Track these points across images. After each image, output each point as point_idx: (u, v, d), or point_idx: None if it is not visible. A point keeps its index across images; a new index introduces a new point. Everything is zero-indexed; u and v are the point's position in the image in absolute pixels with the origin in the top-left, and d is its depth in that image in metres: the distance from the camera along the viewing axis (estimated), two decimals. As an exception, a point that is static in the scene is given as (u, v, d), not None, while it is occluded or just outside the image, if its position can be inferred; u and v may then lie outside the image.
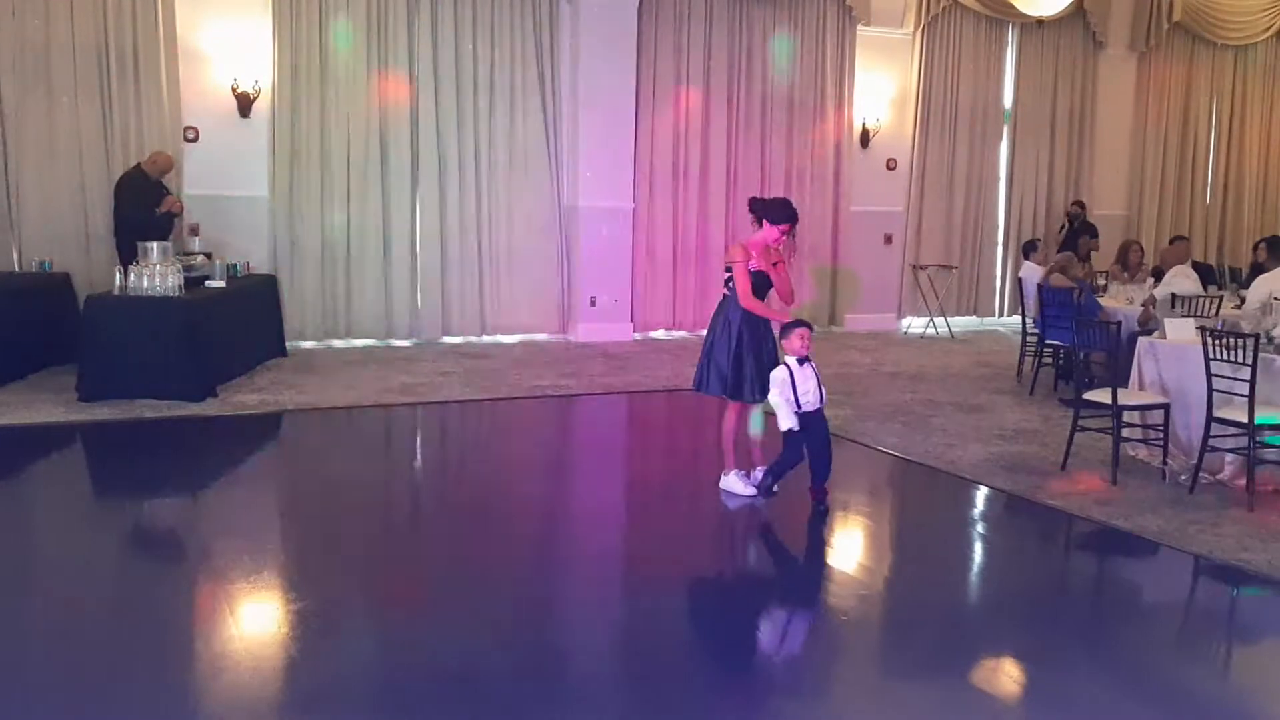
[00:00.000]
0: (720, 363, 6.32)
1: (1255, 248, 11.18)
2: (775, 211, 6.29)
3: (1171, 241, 11.37)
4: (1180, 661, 4.65)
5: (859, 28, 13.24)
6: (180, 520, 6.26)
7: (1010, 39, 14.29)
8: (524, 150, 11.93)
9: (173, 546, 5.81)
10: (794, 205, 6.40)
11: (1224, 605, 5.51)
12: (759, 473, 6.49)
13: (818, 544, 6.06)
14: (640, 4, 12.01)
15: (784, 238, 6.30)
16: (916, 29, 13.57)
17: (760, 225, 6.32)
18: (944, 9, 13.60)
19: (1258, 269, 10.06)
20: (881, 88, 13.54)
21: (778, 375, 6.08)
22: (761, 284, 6.30)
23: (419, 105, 11.46)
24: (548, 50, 11.91)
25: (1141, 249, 11.25)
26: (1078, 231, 13.30)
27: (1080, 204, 13.94)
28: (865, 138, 13.54)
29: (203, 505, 6.48)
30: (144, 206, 9.57)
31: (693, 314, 12.66)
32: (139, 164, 9.90)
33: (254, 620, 4.67)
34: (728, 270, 6.30)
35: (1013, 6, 12.98)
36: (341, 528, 5.99)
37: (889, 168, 13.76)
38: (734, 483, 6.42)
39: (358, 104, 11.20)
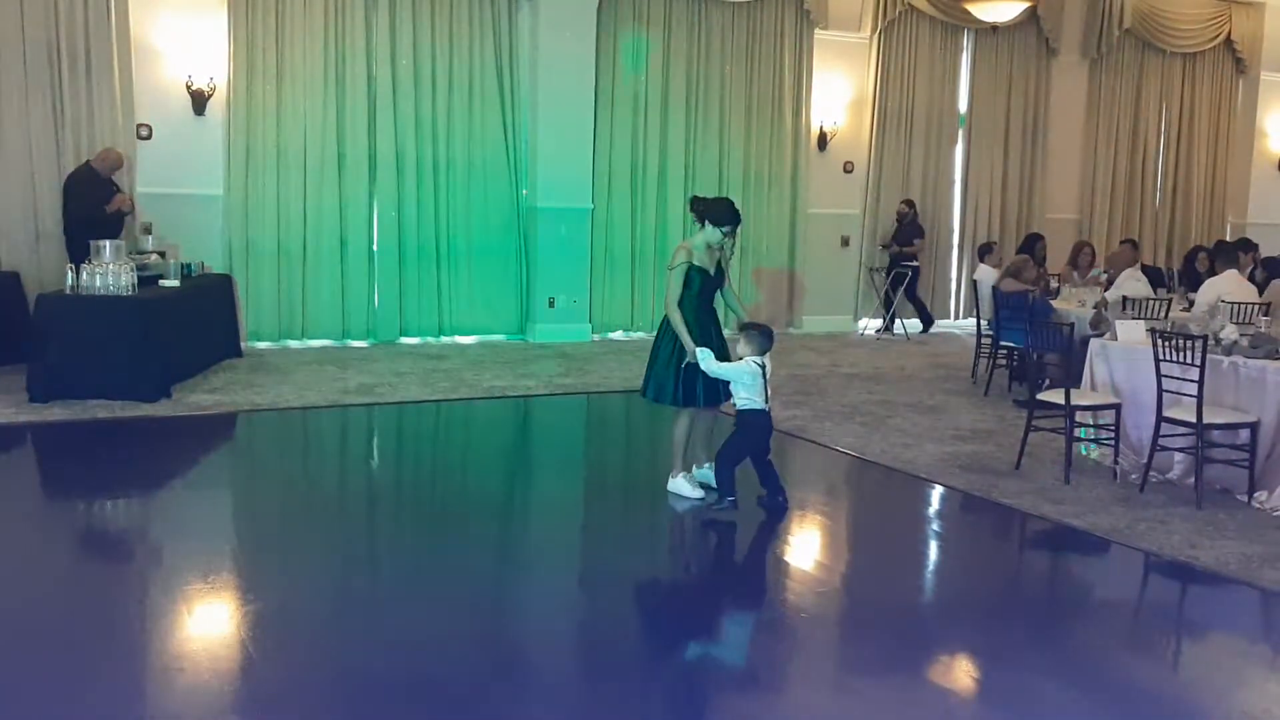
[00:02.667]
0: (659, 370, 6.30)
1: (1195, 257, 11.35)
2: (717, 212, 6.25)
3: (1120, 244, 11.56)
4: (1131, 656, 4.72)
5: (816, 31, 13.34)
6: (135, 522, 6.19)
7: (965, 44, 14.44)
8: (482, 150, 11.88)
9: (128, 548, 5.75)
10: (736, 206, 6.31)
11: (1173, 601, 5.62)
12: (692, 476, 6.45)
13: (775, 543, 6.10)
14: (600, 5, 12.02)
15: (726, 239, 6.26)
16: (873, 33, 13.68)
17: (703, 225, 6.29)
18: (900, 14, 13.72)
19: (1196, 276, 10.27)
20: (839, 91, 13.65)
21: (751, 367, 6.08)
22: (708, 284, 6.29)
23: (377, 104, 11.39)
24: (507, 51, 11.88)
25: (1093, 250, 11.45)
26: (906, 230, 13.49)
27: (909, 203, 13.81)
28: (822, 140, 13.63)
29: (157, 507, 6.41)
30: (94, 204, 9.44)
31: (651, 315, 12.67)
32: (88, 161, 9.76)
33: (211, 621, 4.63)
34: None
35: (967, 12, 13.14)
36: (298, 529, 5.95)
37: (846, 170, 13.86)
38: (682, 485, 6.39)
39: (315, 102, 11.10)
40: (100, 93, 10.26)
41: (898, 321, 13.68)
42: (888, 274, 13.65)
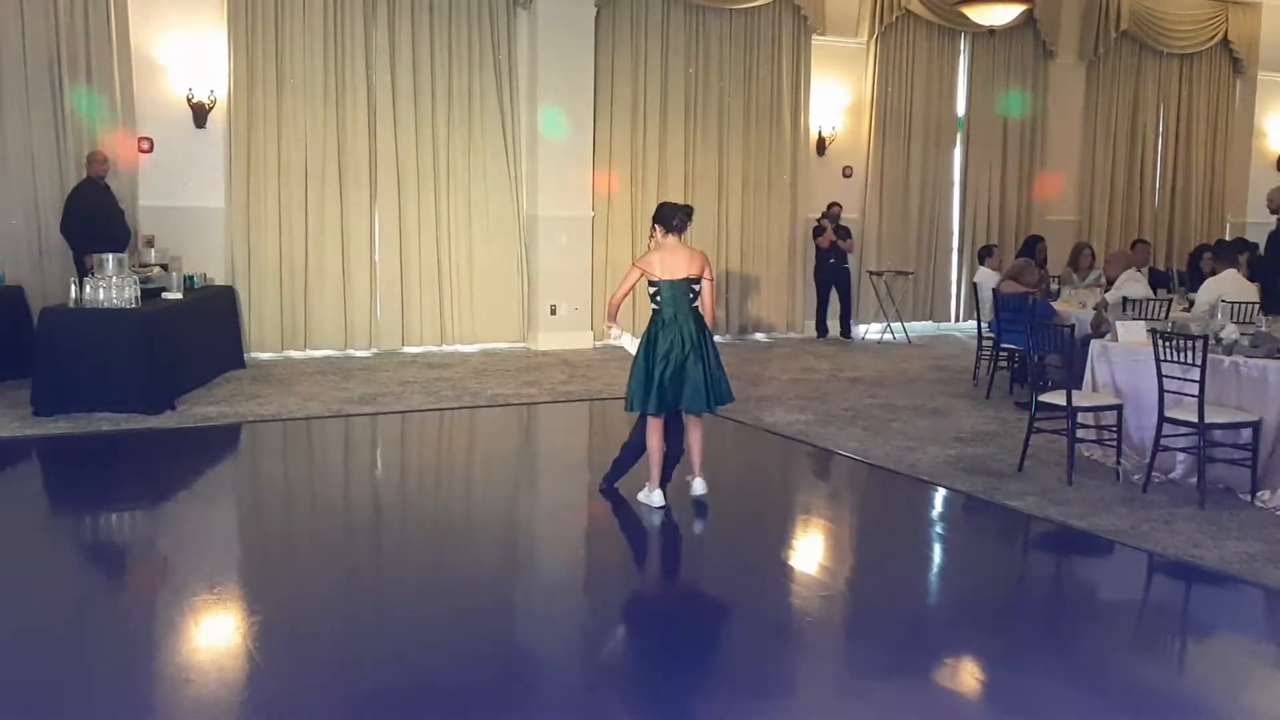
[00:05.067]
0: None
1: (1200, 257, 11.32)
2: None
3: (1133, 245, 11.60)
4: (1136, 657, 4.74)
5: (814, 37, 13.38)
6: (141, 534, 6.21)
7: (962, 48, 14.48)
8: (483, 160, 11.93)
9: (134, 560, 5.77)
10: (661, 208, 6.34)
11: (1177, 601, 5.63)
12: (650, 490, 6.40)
13: (780, 547, 6.11)
14: (597, 14, 12.06)
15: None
16: (870, 38, 13.72)
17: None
18: (897, 18, 13.76)
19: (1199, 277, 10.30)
20: (837, 96, 13.70)
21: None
22: None
23: (377, 115, 11.43)
24: (505, 59, 11.92)
25: (1092, 252, 11.47)
26: (840, 232, 13.12)
27: (838, 205, 13.38)
28: (821, 145, 13.67)
29: (163, 518, 6.42)
30: (95, 215, 9.49)
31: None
32: (88, 175, 9.78)
33: (218, 632, 4.64)
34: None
35: (964, 16, 13.17)
36: (303, 539, 5.97)
37: (845, 175, 13.90)
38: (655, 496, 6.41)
39: (315, 114, 11.15)
40: (102, 107, 10.29)
41: (892, 325, 13.64)
42: (830, 281, 13.39)
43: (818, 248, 13.31)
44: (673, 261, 6.14)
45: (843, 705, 4.19)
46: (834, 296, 13.53)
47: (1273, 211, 12.51)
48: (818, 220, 13.33)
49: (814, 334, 13.59)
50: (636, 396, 6.17)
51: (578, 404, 9.48)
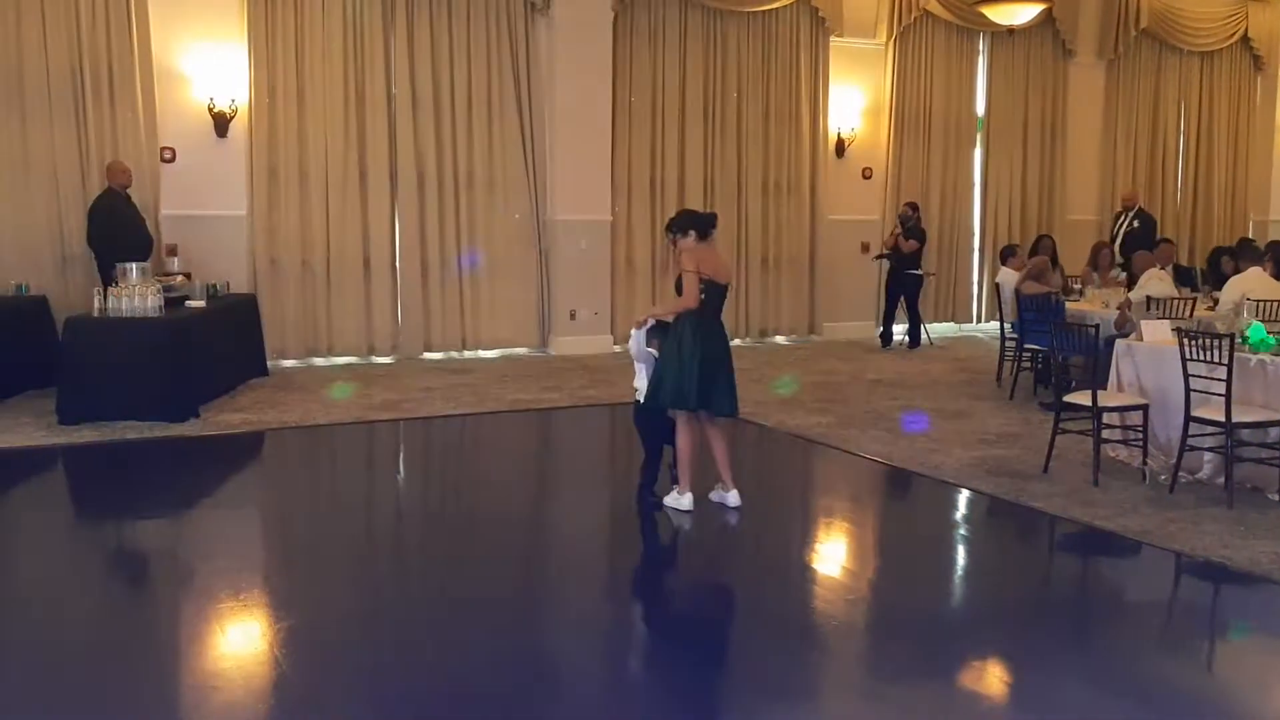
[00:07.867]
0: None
1: (1219, 260, 11.17)
2: None
3: (1157, 244, 11.47)
4: (1166, 659, 4.70)
5: (832, 38, 13.36)
6: (167, 541, 6.22)
7: (981, 48, 14.44)
8: (502, 165, 11.95)
9: (160, 568, 5.79)
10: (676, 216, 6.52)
11: (1206, 602, 5.58)
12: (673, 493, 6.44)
13: (804, 550, 6.09)
14: (615, 18, 12.08)
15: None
16: (889, 39, 13.69)
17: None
18: (915, 19, 13.72)
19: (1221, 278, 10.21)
20: (855, 97, 13.66)
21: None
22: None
23: (396, 122, 11.47)
24: (524, 66, 11.95)
25: (1112, 251, 11.37)
26: (908, 234, 12.72)
27: (913, 205, 13.01)
28: (840, 147, 13.64)
29: (188, 526, 6.45)
30: (119, 225, 9.56)
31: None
32: (109, 186, 9.85)
33: (244, 639, 4.66)
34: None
35: (983, 16, 13.12)
36: (328, 545, 5.98)
37: (865, 176, 13.87)
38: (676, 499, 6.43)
39: (335, 122, 11.20)
40: (124, 117, 10.38)
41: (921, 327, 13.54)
42: (895, 286, 12.99)
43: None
44: (721, 268, 6.26)
45: (868, 707, 4.17)
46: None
47: (1127, 209, 12.84)
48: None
49: (826, 339, 13.52)
50: (685, 394, 6.15)
51: (600, 409, 9.47)
